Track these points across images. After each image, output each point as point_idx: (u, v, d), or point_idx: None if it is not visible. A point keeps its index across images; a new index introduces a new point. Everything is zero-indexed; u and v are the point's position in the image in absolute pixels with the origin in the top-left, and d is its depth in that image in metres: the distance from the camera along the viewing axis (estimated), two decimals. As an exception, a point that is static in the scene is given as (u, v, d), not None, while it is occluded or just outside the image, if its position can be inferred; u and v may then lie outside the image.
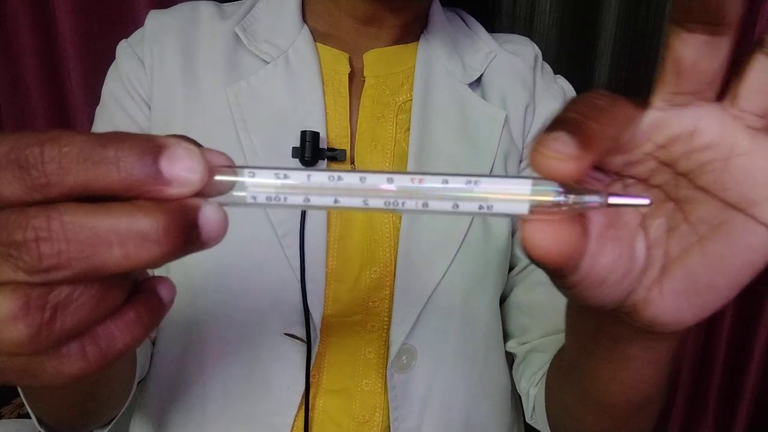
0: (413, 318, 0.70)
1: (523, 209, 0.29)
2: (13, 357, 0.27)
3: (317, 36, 0.77)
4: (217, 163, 0.29)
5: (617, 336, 0.44)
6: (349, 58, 0.77)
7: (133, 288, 0.31)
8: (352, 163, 0.74)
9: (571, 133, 0.28)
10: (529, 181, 0.28)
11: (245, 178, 0.29)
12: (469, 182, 0.28)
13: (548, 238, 0.29)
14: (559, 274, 0.34)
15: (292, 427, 0.70)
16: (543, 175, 0.28)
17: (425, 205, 0.28)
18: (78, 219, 0.25)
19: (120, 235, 0.26)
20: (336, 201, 0.28)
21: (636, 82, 1.12)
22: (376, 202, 0.28)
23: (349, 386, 0.72)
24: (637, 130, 0.34)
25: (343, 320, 0.71)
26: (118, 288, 0.29)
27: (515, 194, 0.28)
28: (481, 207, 0.28)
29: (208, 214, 0.28)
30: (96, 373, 0.29)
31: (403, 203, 0.28)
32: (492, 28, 0.91)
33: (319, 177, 0.28)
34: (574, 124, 0.29)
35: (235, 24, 0.76)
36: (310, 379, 0.69)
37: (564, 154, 0.28)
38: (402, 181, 0.28)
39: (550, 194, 0.29)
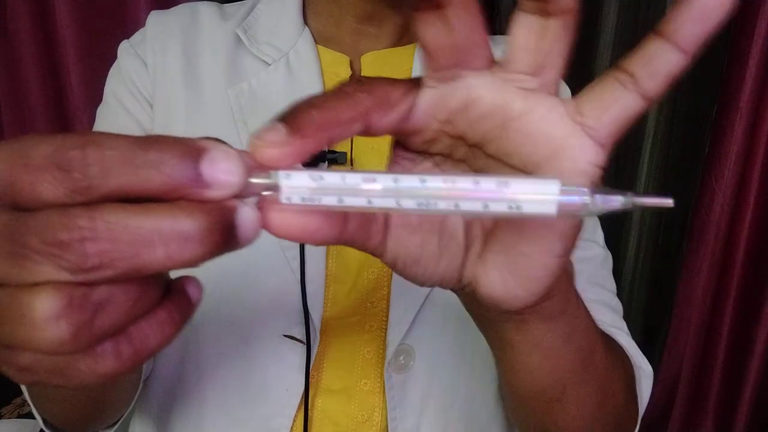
0: (410, 318, 0.70)
1: (551, 210, 0.29)
2: (49, 356, 0.27)
3: (318, 38, 0.77)
4: (253, 165, 0.29)
5: (485, 319, 0.46)
6: (350, 61, 0.77)
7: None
8: (352, 165, 0.74)
9: (283, 122, 0.29)
10: (558, 182, 0.28)
11: (281, 181, 0.29)
12: (500, 184, 0.28)
13: (287, 219, 0.30)
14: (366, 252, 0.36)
15: (291, 428, 0.70)
16: (258, 163, 0.29)
17: (456, 206, 0.29)
18: (122, 219, 0.25)
19: (163, 235, 0.26)
20: (369, 202, 0.28)
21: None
22: (408, 203, 0.28)
23: (348, 386, 0.72)
24: (418, 109, 0.34)
25: (342, 321, 0.71)
26: (155, 288, 0.29)
27: (544, 195, 0.28)
28: (510, 207, 0.28)
29: (245, 215, 0.28)
30: (127, 372, 0.29)
31: (435, 204, 0.28)
32: (491, 30, 0.91)
33: (354, 179, 0.29)
34: (289, 114, 0.30)
35: (236, 25, 0.76)
36: (309, 379, 0.69)
37: (273, 142, 0.28)
38: (435, 182, 0.28)
39: (577, 194, 0.29)
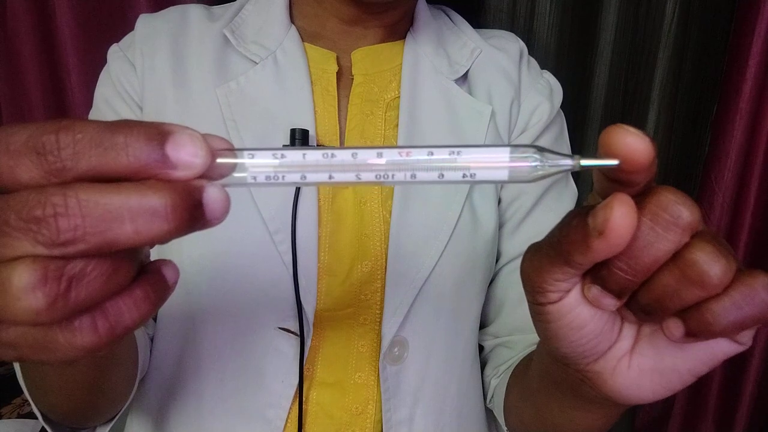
0: (405, 310, 0.71)
1: (503, 175, 0.30)
2: (29, 328, 0.29)
3: (305, 36, 0.79)
4: (218, 147, 0.31)
5: (580, 393, 0.48)
6: (337, 56, 0.78)
7: (140, 269, 0.33)
8: None
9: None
10: (508, 149, 0.30)
11: (245, 160, 0.31)
12: (452, 153, 0.30)
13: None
14: (540, 299, 0.38)
15: (287, 420, 0.71)
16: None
17: (413, 176, 0.30)
18: (93, 196, 0.27)
19: (131, 212, 0.28)
20: (331, 177, 0.30)
21: (636, 82, 1.13)
22: (367, 176, 0.30)
23: (342, 379, 0.73)
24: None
25: (335, 313, 0.72)
26: (128, 265, 0.31)
27: (495, 161, 0.30)
28: (464, 175, 0.30)
29: (212, 194, 0.30)
30: (105, 348, 0.31)
31: (392, 175, 0.30)
32: (481, 24, 0.92)
33: (314, 155, 0.30)
34: None
35: (223, 26, 0.78)
36: (304, 372, 0.70)
37: None
38: (391, 155, 0.30)
39: (527, 160, 0.30)
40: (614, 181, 0.34)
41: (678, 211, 0.32)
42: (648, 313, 0.36)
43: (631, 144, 0.31)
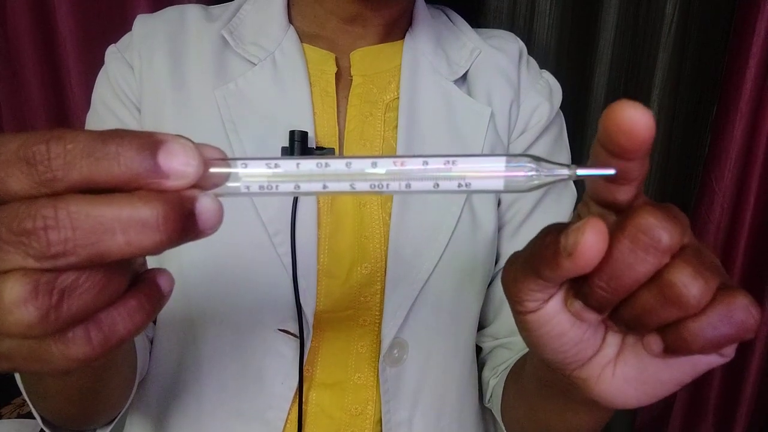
0: (404, 312, 0.71)
1: (499, 185, 0.31)
2: (22, 340, 0.29)
3: (303, 37, 0.78)
4: (211, 157, 0.31)
5: (570, 395, 0.50)
6: (336, 57, 0.78)
7: (134, 279, 0.33)
8: None
9: None
10: (503, 158, 0.30)
11: (238, 169, 0.31)
12: (448, 162, 0.30)
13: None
14: (519, 308, 0.39)
15: (286, 421, 0.71)
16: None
17: (408, 186, 0.30)
18: (83, 208, 0.27)
19: (123, 223, 0.27)
20: (325, 186, 0.30)
21: (636, 83, 1.12)
22: (362, 185, 0.30)
23: (342, 380, 0.73)
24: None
25: (335, 315, 0.72)
26: (121, 275, 0.31)
27: (491, 171, 0.30)
28: (460, 185, 0.30)
29: (204, 204, 0.30)
30: (100, 358, 0.30)
31: (387, 185, 0.30)
32: (481, 24, 0.92)
33: (308, 165, 0.30)
34: None
35: (222, 27, 0.77)
36: (304, 373, 0.70)
37: None
38: (385, 165, 0.29)
39: (523, 169, 0.31)
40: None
41: (658, 234, 0.32)
42: (629, 327, 0.37)
43: (635, 116, 0.31)
